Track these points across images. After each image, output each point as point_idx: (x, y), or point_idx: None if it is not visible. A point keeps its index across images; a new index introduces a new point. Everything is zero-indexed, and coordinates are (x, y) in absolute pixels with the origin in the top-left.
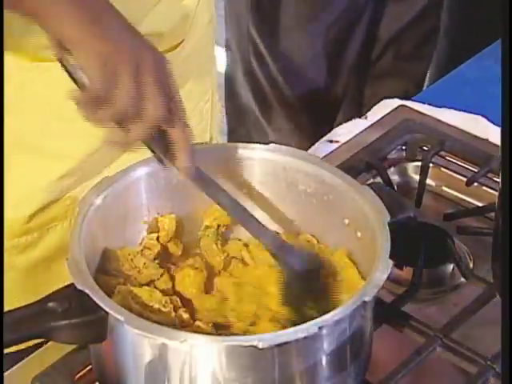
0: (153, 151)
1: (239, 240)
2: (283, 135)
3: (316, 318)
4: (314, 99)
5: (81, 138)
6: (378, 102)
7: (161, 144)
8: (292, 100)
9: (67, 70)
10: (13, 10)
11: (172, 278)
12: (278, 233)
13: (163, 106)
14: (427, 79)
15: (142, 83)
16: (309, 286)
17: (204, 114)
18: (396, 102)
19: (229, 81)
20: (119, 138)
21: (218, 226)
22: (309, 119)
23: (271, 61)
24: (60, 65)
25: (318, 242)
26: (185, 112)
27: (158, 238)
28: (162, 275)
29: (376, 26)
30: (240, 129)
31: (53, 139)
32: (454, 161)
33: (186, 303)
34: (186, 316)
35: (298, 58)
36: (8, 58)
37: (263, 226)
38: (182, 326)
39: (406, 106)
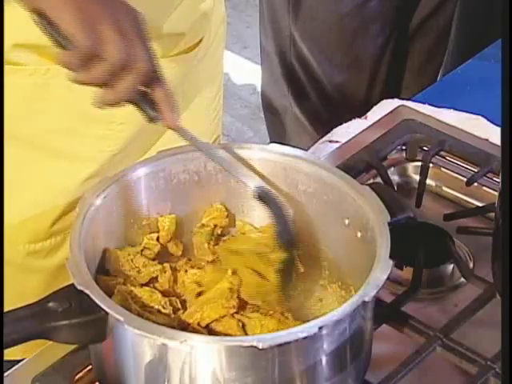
0: (141, 109)
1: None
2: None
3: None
4: (353, 98)
5: (104, 140)
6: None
7: (147, 102)
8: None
9: (48, 34)
10: None
11: (174, 279)
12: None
13: (150, 58)
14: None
15: (126, 35)
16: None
17: (214, 113)
18: (396, 102)
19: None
20: (110, 95)
21: (215, 225)
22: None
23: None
24: (40, 30)
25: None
26: (162, 73)
27: (157, 238)
28: (164, 272)
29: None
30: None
31: (76, 141)
32: (454, 161)
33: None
34: (184, 317)
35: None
36: (32, 60)
37: (248, 171)
38: (181, 328)
39: (406, 106)
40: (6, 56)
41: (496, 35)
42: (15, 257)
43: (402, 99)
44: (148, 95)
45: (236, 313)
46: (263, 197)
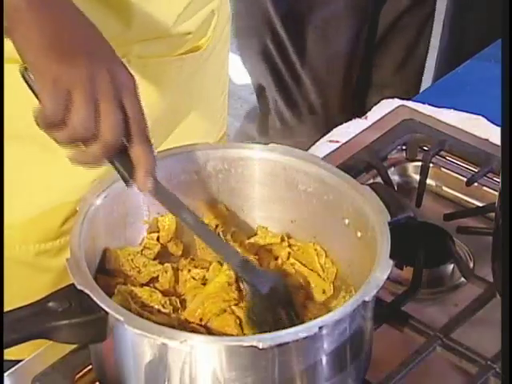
0: (116, 169)
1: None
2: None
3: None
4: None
5: None
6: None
7: (124, 161)
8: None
9: (28, 84)
10: None
11: (176, 279)
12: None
13: (118, 126)
14: (432, 77)
15: (97, 102)
16: (271, 305)
17: (219, 112)
18: (396, 102)
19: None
20: (81, 158)
21: (217, 225)
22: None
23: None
24: (22, 77)
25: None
26: (146, 130)
27: (158, 238)
28: (166, 272)
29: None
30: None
31: None
32: (454, 161)
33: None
34: (186, 315)
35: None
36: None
37: (227, 243)
38: (181, 327)
39: (406, 106)
40: (7, 54)
41: (492, 36)
42: (25, 256)
43: (402, 99)
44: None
45: (236, 305)
46: (239, 272)
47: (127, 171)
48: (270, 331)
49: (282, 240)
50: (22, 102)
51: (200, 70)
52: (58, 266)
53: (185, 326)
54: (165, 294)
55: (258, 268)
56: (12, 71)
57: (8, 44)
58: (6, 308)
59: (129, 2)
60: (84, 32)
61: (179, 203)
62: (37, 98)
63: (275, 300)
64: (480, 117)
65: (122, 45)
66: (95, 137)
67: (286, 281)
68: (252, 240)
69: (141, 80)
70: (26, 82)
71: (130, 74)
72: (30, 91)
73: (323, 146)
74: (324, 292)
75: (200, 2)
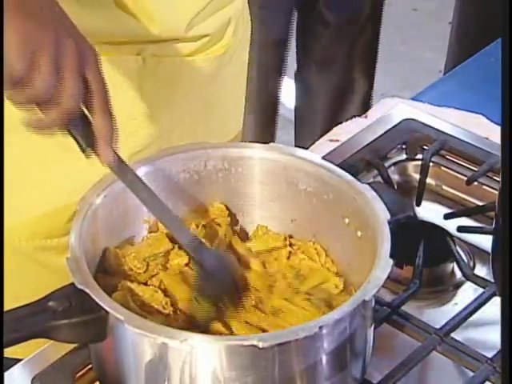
0: (73, 138)
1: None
2: None
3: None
4: None
5: (125, 137)
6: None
7: (83, 132)
8: None
9: None
10: None
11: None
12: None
13: (78, 94)
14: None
15: (60, 68)
16: (220, 284)
17: (238, 115)
18: (396, 101)
19: None
20: (37, 123)
21: (218, 224)
22: None
23: None
24: None
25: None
26: (109, 103)
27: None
28: (156, 274)
29: None
30: None
31: None
32: (454, 160)
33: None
34: (182, 318)
35: None
36: None
37: (182, 224)
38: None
39: (406, 105)
40: None
41: (494, 35)
42: (31, 251)
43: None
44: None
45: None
46: (191, 252)
47: (85, 141)
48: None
49: (285, 242)
50: None
51: (219, 75)
52: (62, 264)
53: (183, 329)
54: (167, 294)
55: (208, 247)
56: None
57: None
58: (11, 304)
59: (143, 2)
60: (49, 4)
61: (136, 179)
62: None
63: (223, 278)
64: (480, 116)
65: (137, 43)
66: (54, 102)
67: (235, 261)
68: (254, 244)
69: (154, 79)
70: None
71: (94, 48)
72: None
73: (323, 145)
74: (336, 286)
75: (216, 5)
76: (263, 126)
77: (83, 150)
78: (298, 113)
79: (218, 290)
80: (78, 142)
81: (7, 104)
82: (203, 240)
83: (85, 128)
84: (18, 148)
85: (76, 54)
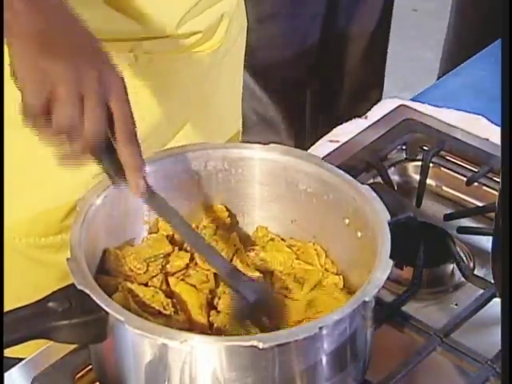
0: (104, 169)
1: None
2: None
3: None
4: None
5: None
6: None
7: (112, 162)
8: None
9: (17, 86)
10: None
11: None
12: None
13: (101, 124)
14: (437, 72)
15: (82, 99)
16: (257, 314)
17: (234, 115)
18: (396, 102)
19: None
20: (64, 156)
21: (217, 226)
22: None
23: None
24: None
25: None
26: (134, 131)
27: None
28: (157, 275)
29: None
30: None
31: None
32: (454, 160)
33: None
34: (182, 319)
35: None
36: None
37: (216, 252)
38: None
39: (406, 106)
40: None
41: (493, 35)
42: (28, 249)
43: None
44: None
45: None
46: (227, 280)
47: (115, 171)
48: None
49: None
50: None
51: (212, 73)
52: (61, 261)
53: (184, 329)
54: (167, 295)
55: (246, 277)
56: None
57: None
58: (9, 303)
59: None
60: (74, 32)
61: (172, 210)
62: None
63: (260, 309)
64: (480, 116)
65: (130, 40)
66: (79, 133)
67: (272, 291)
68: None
69: (147, 76)
70: (16, 83)
71: (120, 75)
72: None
73: (323, 146)
74: (336, 285)
75: (208, 2)
76: None
77: (112, 179)
78: None
79: (255, 316)
80: (106, 171)
81: (5, 102)
82: (240, 270)
83: (112, 156)
84: (14, 147)
85: (98, 82)
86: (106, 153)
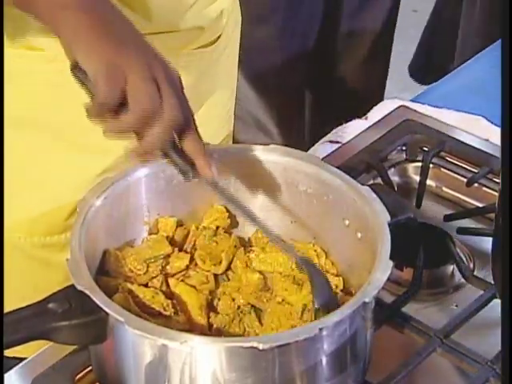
0: (173, 162)
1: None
2: None
3: None
4: None
5: None
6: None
7: (179, 153)
8: None
9: (79, 80)
10: (26, 12)
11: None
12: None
13: (179, 108)
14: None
15: (157, 83)
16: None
17: (227, 114)
18: (396, 103)
19: None
20: (139, 148)
21: (217, 227)
22: None
23: None
24: (72, 74)
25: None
26: (194, 120)
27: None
28: (157, 276)
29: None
30: None
31: (93, 134)
32: (455, 161)
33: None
34: (182, 320)
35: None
36: (53, 46)
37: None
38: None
39: (407, 107)
40: (28, 40)
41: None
42: (31, 248)
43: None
44: (177, 146)
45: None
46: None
47: (183, 162)
48: None
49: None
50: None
51: (210, 71)
52: (62, 261)
53: (184, 330)
54: (167, 296)
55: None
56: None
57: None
58: (13, 302)
59: None
60: (127, 24)
61: (236, 197)
62: (88, 93)
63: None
64: (480, 117)
65: None
66: (158, 117)
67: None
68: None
69: None
70: (77, 78)
71: (176, 69)
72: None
73: (323, 147)
74: (337, 287)
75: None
76: None
77: (182, 171)
78: None
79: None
80: (176, 164)
81: (6, 102)
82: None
83: (176, 148)
84: (14, 146)
85: (164, 71)
86: (173, 146)
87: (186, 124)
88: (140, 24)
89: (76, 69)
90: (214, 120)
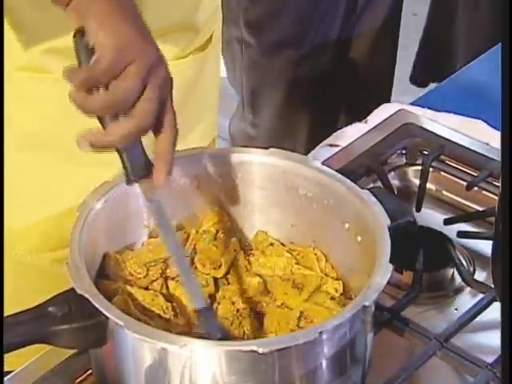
0: (124, 161)
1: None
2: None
3: None
4: None
5: None
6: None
7: (135, 157)
8: None
9: (77, 46)
10: None
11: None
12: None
13: (152, 115)
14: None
15: (144, 85)
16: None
17: (212, 116)
18: (396, 107)
19: None
20: (103, 136)
21: (217, 231)
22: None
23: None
24: (73, 40)
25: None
26: (177, 131)
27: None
28: (157, 279)
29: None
30: None
31: None
32: (454, 165)
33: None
34: (182, 323)
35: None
36: (58, 67)
37: (197, 284)
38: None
39: (406, 110)
40: (34, 63)
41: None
42: (41, 264)
43: (402, 103)
44: (140, 143)
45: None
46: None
47: (134, 167)
48: None
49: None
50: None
51: (199, 73)
52: (65, 274)
53: (184, 333)
54: (167, 298)
55: (214, 318)
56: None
57: (39, 49)
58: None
59: None
60: (143, 22)
61: (169, 223)
62: (80, 61)
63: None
64: (480, 121)
65: None
66: (128, 112)
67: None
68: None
69: None
70: (76, 44)
71: (169, 72)
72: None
73: (323, 150)
74: (336, 290)
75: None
76: None
77: (128, 175)
78: None
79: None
80: (125, 166)
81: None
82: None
83: (137, 151)
84: (19, 162)
85: (164, 77)
86: (134, 146)
87: (170, 129)
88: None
89: (79, 36)
90: (199, 124)
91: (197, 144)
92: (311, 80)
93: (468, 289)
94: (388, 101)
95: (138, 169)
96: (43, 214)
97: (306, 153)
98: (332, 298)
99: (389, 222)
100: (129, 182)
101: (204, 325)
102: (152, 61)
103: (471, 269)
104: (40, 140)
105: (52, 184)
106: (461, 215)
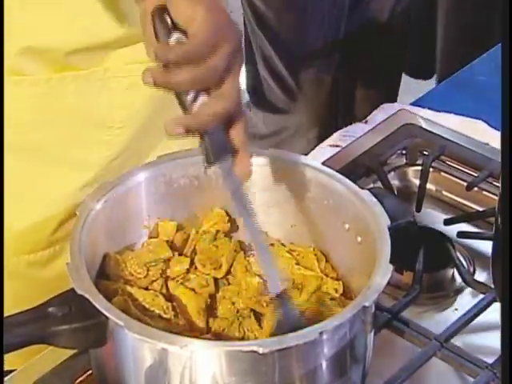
0: (204, 147)
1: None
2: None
3: None
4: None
5: (103, 145)
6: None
7: (218, 140)
8: None
9: (160, 23)
10: None
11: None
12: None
13: (240, 95)
14: (435, 78)
15: (230, 65)
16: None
17: None
18: (396, 107)
19: None
20: (190, 119)
21: (217, 231)
22: None
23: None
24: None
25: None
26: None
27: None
28: (157, 279)
29: None
30: None
31: (77, 148)
32: (454, 165)
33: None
34: (182, 323)
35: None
36: (34, 69)
37: (275, 268)
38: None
39: (407, 111)
40: (9, 65)
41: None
42: (17, 267)
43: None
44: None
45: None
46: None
47: (216, 151)
48: None
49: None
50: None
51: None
52: (48, 275)
53: (184, 333)
54: (167, 298)
55: (288, 306)
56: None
57: (15, 48)
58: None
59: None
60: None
61: (250, 206)
62: (160, 37)
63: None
64: (480, 121)
65: (103, 47)
66: (217, 94)
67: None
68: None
69: (123, 88)
70: (157, 21)
71: None
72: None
73: (323, 151)
74: (337, 291)
75: None
76: None
77: (208, 158)
78: None
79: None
80: (206, 149)
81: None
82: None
83: (220, 135)
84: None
85: (241, 64)
86: (216, 128)
87: (238, 113)
88: (111, 28)
89: (159, 13)
90: None
91: (197, 144)
92: (313, 79)
93: (468, 289)
94: (395, 99)
95: (219, 150)
96: (18, 217)
97: (306, 153)
98: (332, 299)
99: (389, 223)
100: (209, 164)
101: (277, 312)
102: (237, 45)
103: (471, 269)
104: (15, 143)
105: (26, 187)
106: (461, 215)
